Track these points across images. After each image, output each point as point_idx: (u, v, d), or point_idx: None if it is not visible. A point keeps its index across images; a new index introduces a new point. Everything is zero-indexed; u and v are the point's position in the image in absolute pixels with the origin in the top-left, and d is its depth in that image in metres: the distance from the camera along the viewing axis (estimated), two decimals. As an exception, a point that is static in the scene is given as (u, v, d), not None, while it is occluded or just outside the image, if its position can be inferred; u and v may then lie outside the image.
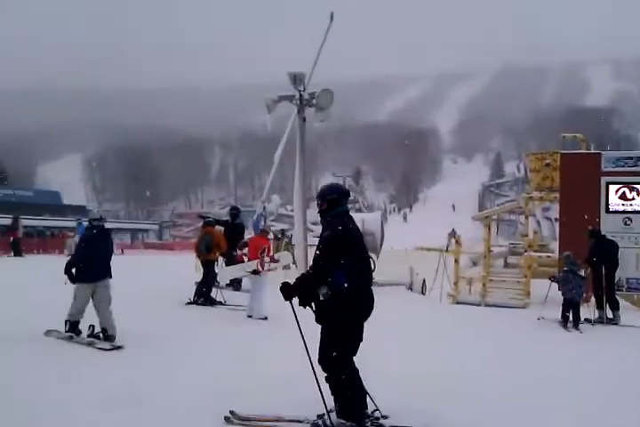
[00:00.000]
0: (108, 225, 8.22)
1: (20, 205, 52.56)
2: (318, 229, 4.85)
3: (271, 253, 10.74)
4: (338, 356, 4.51)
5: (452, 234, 50.44)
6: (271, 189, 24.15)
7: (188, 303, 11.34)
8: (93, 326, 7.57)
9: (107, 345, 7.33)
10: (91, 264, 7.53)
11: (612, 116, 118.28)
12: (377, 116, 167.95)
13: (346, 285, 4.45)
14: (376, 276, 16.15)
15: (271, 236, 15.14)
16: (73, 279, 7.55)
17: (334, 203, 4.75)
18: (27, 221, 37.26)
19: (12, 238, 27.40)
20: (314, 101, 17.73)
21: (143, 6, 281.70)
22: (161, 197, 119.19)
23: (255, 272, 10.29)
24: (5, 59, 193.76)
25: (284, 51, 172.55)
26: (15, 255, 25.67)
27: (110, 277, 7.74)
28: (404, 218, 71.83)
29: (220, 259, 12.10)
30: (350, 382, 4.54)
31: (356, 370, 4.61)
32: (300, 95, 17.70)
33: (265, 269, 10.30)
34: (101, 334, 7.50)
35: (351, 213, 4.97)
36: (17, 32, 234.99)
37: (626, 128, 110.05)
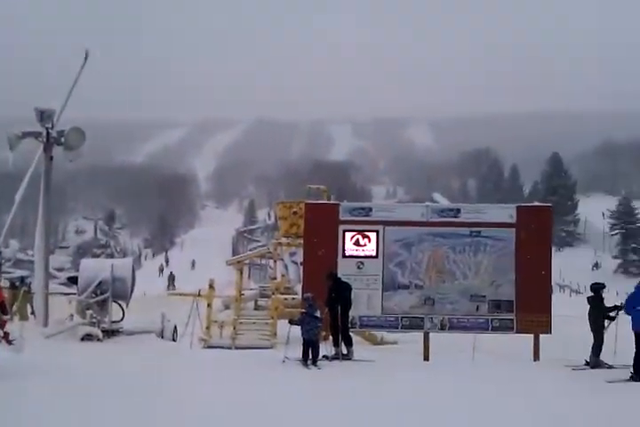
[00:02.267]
0: None
1: None
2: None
3: (6, 317, 10.26)
4: None
5: (171, 278, 50.93)
6: (10, 232, 22.00)
7: None
8: None
9: None
10: None
11: (350, 170, 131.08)
12: (134, 158, 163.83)
13: None
14: (124, 324, 15.64)
15: (6, 284, 13.78)
16: None
17: None
18: None
19: None
20: (62, 140, 16.75)
21: None
22: None
23: None
24: None
25: (34, 83, 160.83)
26: None
27: None
28: (161, 271, 67.93)
29: None
30: None
31: None
32: (48, 132, 16.62)
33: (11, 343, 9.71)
34: None
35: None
36: None
37: (362, 181, 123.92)
